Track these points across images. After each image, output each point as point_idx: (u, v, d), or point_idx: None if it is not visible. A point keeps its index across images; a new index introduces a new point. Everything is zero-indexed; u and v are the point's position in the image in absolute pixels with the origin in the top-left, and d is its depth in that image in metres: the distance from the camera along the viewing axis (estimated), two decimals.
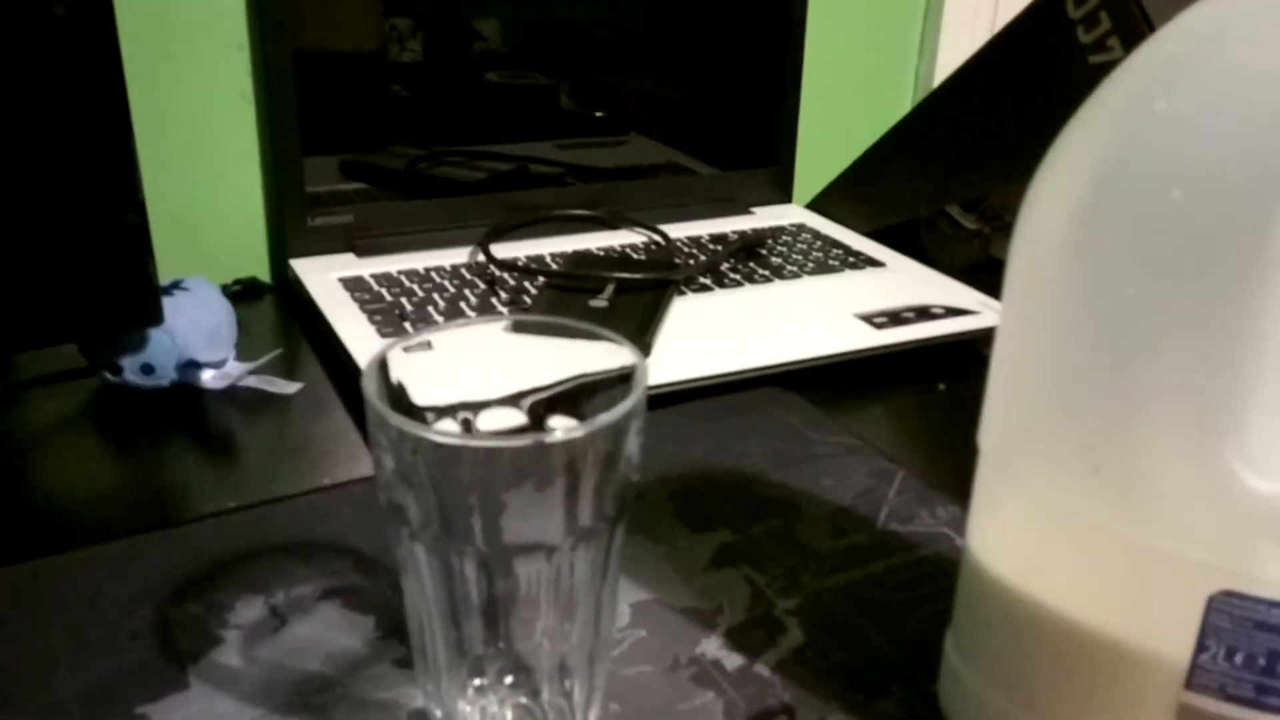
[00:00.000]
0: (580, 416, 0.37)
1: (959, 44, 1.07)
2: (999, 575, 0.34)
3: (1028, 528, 0.33)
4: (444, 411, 0.39)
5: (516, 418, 0.40)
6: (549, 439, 0.31)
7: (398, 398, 0.36)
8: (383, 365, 0.35)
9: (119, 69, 0.52)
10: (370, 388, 0.33)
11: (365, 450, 0.57)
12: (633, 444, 0.34)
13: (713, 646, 0.43)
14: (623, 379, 0.35)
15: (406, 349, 0.36)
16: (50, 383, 0.63)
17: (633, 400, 0.32)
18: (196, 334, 0.61)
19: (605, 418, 0.31)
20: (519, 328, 0.41)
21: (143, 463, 0.56)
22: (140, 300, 0.55)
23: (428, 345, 0.37)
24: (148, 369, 0.60)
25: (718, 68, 0.91)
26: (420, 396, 0.38)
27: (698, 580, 0.46)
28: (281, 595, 0.45)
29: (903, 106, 1.09)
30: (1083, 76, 0.78)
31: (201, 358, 0.60)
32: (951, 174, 0.84)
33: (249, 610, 0.44)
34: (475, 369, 0.40)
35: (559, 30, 0.84)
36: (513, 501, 0.32)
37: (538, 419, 0.39)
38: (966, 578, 0.37)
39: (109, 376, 0.60)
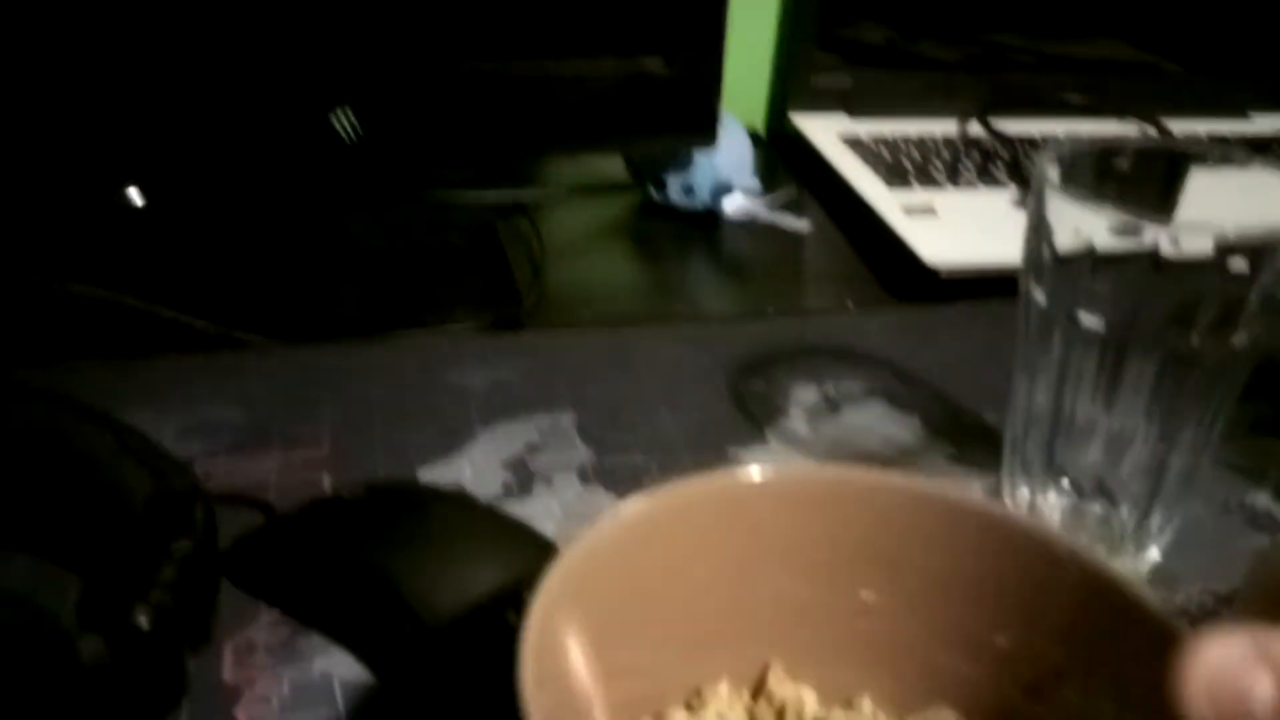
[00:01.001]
0: None
1: None
2: None
3: None
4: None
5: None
6: None
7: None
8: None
9: None
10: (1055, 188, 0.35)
11: (875, 284, 0.61)
12: None
13: (1262, 499, 0.43)
14: None
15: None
16: (596, 193, 0.71)
17: None
18: (729, 162, 0.67)
19: None
20: None
21: (678, 269, 0.64)
22: (704, 122, 0.62)
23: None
24: (689, 190, 0.66)
25: None
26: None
27: (1241, 442, 0.47)
28: (832, 386, 0.50)
29: None
30: None
31: (736, 183, 0.66)
32: None
33: (805, 394, 0.50)
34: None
35: None
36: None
37: None
38: None
39: (653, 193, 0.68)
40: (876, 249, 0.65)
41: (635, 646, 0.28)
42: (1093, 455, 0.39)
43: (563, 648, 0.26)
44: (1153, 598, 0.25)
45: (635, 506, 0.27)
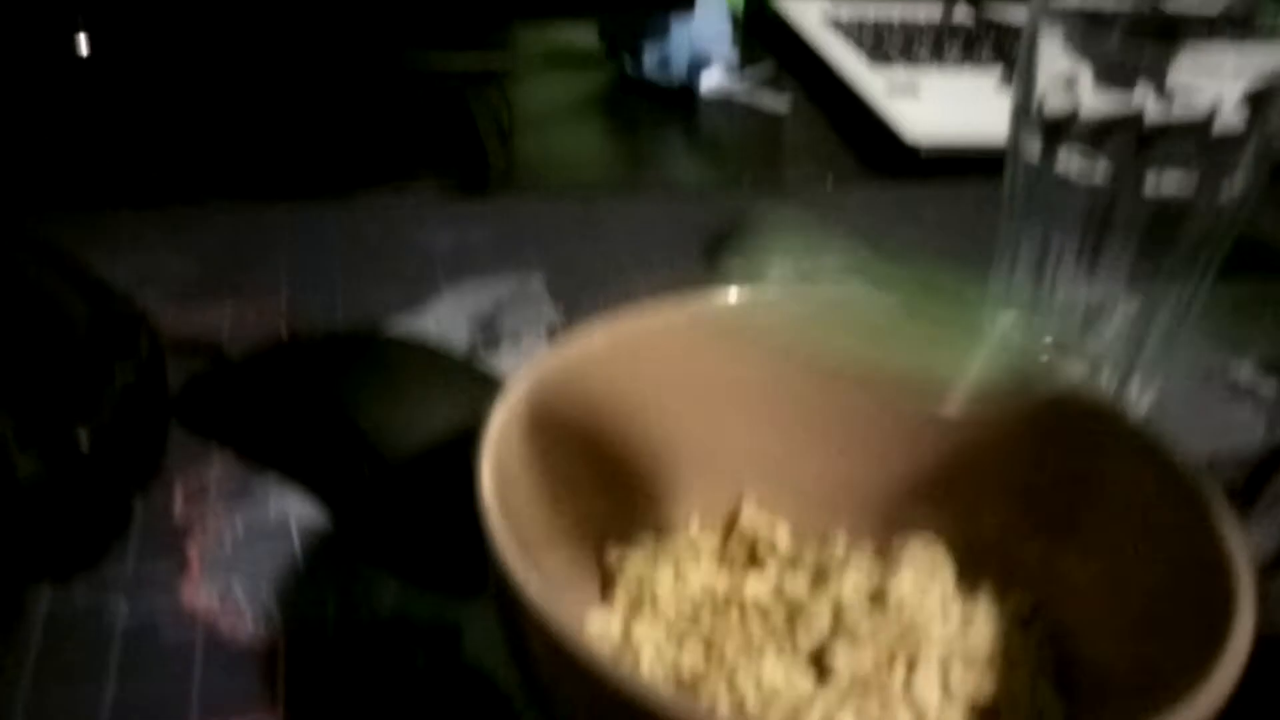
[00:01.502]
0: None
1: None
2: None
3: None
4: None
5: None
6: None
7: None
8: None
9: None
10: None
11: (855, 162, 0.60)
12: None
13: (1245, 372, 0.43)
14: None
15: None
16: (566, 66, 0.69)
17: None
18: (707, 34, 0.64)
19: None
20: None
21: (652, 146, 0.61)
22: None
23: None
24: (665, 62, 0.64)
25: None
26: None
27: (1225, 317, 0.46)
28: (809, 262, 0.49)
29: None
30: None
31: (714, 55, 0.64)
32: None
33: (781, 269, 0.48)
34: None
35: None
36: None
37: None
38: None
39: (628, 65, 0.65)
40: (857, 127, 0.63)
41: (600, 480, 0.27)
42: (1073, 320, 0.38)
43: (524, 481, 0.24)
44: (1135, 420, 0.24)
45: (597, 329, 0.26)
